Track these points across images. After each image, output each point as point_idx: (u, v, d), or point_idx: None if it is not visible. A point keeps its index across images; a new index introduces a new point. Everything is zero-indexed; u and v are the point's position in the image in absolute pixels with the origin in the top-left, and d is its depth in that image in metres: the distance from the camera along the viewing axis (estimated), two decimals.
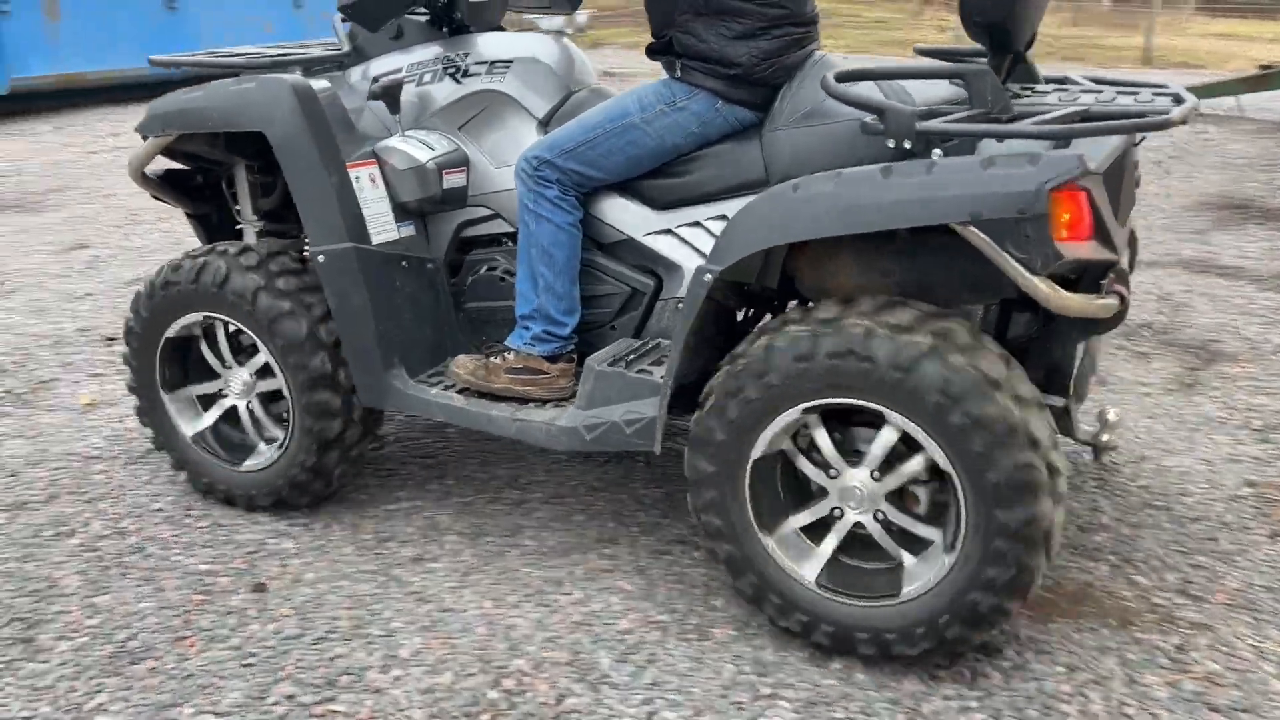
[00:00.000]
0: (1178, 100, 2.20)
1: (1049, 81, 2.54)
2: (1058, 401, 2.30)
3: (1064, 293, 1.99)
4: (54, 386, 3.69)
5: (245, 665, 2.21)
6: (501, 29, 2.97)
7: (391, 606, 2.42)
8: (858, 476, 2.17)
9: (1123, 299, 2.12)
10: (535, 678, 2.17)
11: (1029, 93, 2.39)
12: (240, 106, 2.65)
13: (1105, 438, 2.35)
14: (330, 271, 2.62)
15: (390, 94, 2.73)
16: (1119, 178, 2.25)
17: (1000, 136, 2.02)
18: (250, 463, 2.81)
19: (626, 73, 12.84)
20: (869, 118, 2.09)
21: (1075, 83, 2.54)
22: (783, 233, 2.14)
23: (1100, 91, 2.41)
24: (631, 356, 2.51)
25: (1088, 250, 2.01)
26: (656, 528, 2.75)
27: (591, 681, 2.17)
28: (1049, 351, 2.35)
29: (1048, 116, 2.02)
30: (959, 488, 2.04)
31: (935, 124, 2.02)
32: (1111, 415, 2.40)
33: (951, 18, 14.10)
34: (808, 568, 2.23)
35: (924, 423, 2.03)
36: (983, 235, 1.95)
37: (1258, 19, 18.49)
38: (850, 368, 2.05)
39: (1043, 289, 1.95)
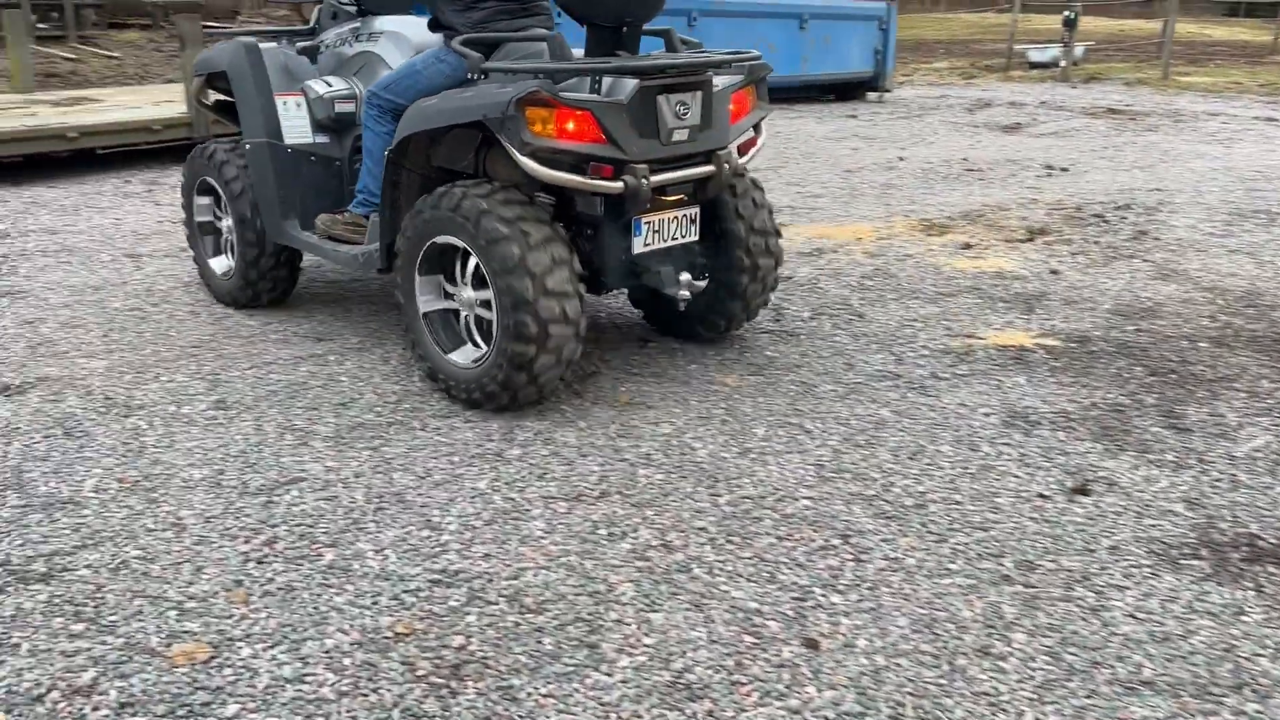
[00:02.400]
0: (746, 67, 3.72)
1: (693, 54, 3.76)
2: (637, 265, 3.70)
3: (544, 169, 3.24)
4: (596, 379, 3.85)
5: None
6: (406, 13, 4.39)
7: (962, 706, 2.13)
8: (463, 290, 3.56)
9: (625, 185, 3.32)
10: None
11: (644, 56, 3.64)
12: (218, 55, 4.40)
13: (682, 294, 3.69)
14: (251, 155, 4.25)
15: (308, 53, 4.46)
16: (649, 109, 3.36)
17: (518, 73, 3.33)
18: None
19: (1135, 109, 11.62)
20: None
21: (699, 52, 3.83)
22: (413, 126, 3.52)
23: (671, 55, 3.70)
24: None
25: (574, 146, 3.27)
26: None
27: None
28: (614, 225, 3.61)
29: (556, 65, 3.36)
30: (487, 277, 3.36)
31: (490, 64, 3.43)
32: (684, 276, 3.68)
33: None
34: (456, 355, 3.61)
35: (466, 239, 3.37)
36: (494, 129, 3.24)
37: None
38: (438, 215, 3.44)
39: (529, 164, 3.22)
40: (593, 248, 3.65)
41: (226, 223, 4.57)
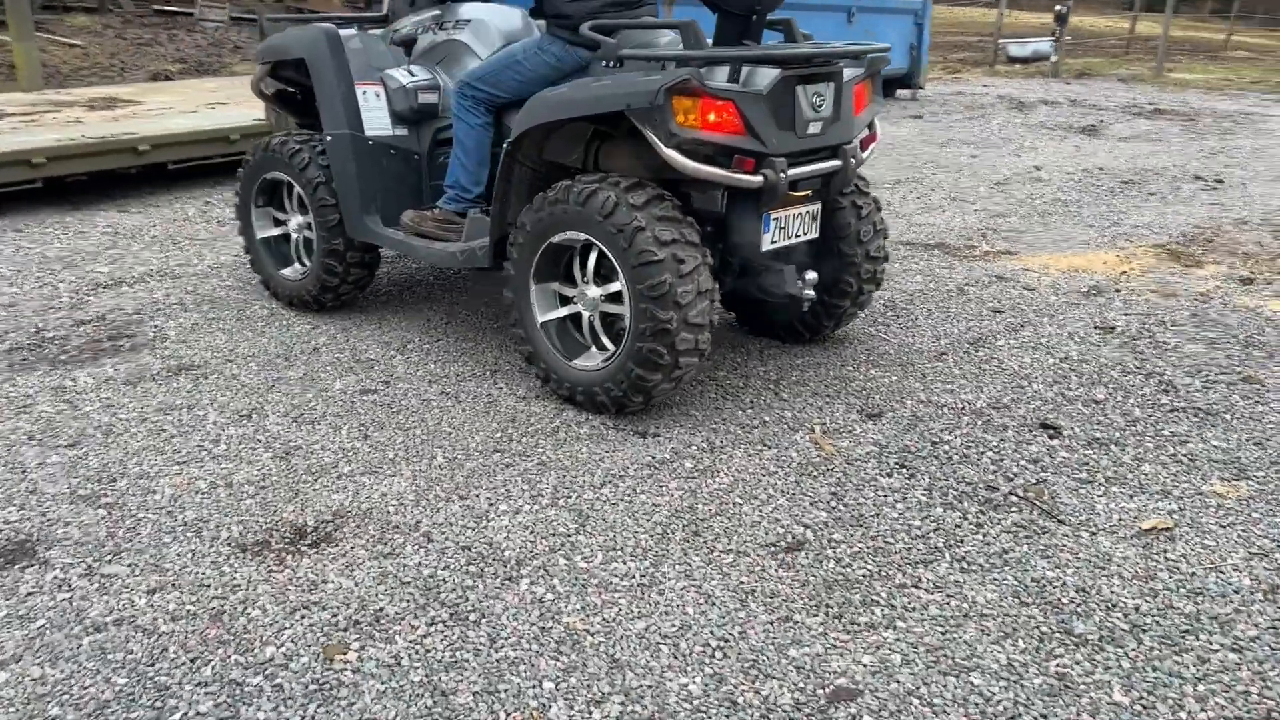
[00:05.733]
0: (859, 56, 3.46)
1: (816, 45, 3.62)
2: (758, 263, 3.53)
3: (690, 162, 3.11)
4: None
5: None
6: (486, 0, 4.17)
7: None
8: (585, 290, 3.45)
9: (765, 179, 3.17)
10: None
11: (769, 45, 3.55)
12: (295, 42, 4.09)
13: (807, 293, 3.56)
14: (332, 148, 3.97)
15: (406, 43, 4.13)
16: (786, 101, 3.20)
17: (662, 61, 3.23)
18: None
19: (1181, 110, 11.19)
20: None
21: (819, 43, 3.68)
22: (531, 119, 3.35)
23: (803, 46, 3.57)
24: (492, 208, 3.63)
25: (718, 137, 3.11)
26: None
27: None
28: (742, 220, 3.41)
29: (701, 53, 3.15)
30: (619, 273, 3.24)
31: (627, 52, 3.30)
32: (810, 275, 3.57)
33: None
34: (581, 360, 3.48)
35: (595, 233, 3.25)
36: (638, 120, 3.11)
37: None
38: (560, 211, 3.31)
39: (674, 157, 3.09)
40: (711, 247, 3.42)
41: (295, 221, 4.33)
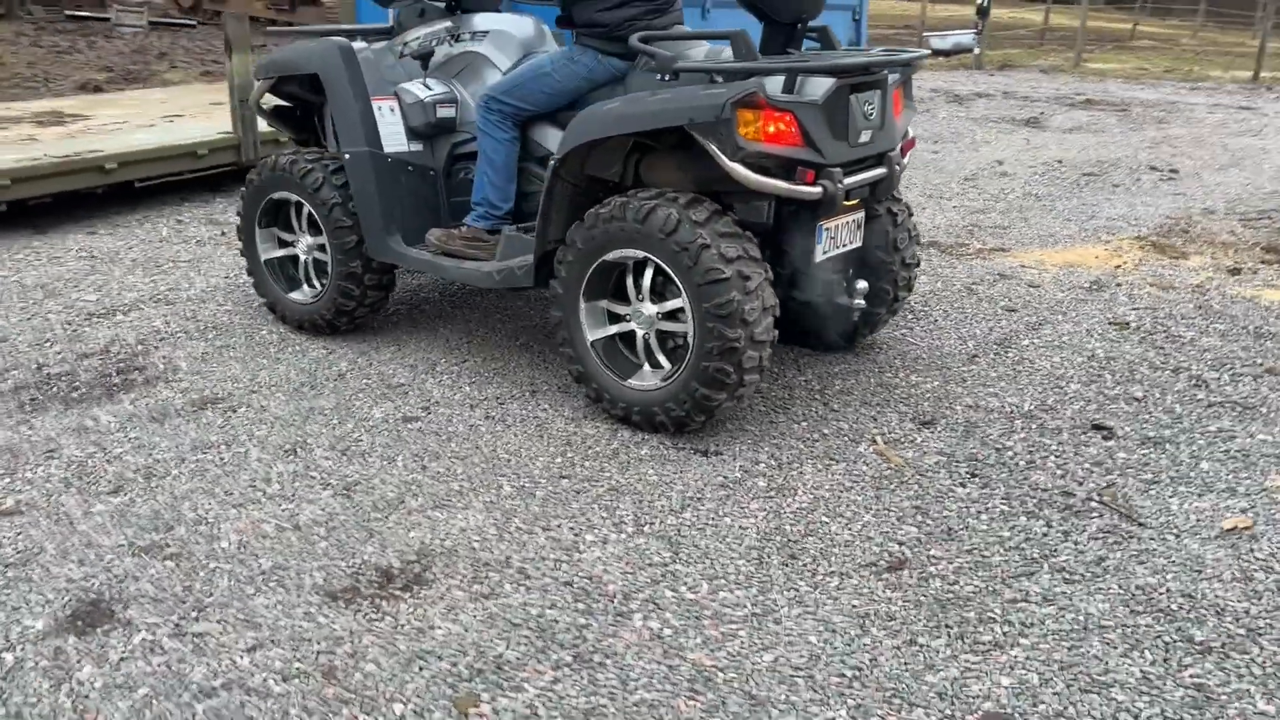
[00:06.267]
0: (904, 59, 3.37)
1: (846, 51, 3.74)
2: (811, 274, 3.43)
3: (758, 176, 3.06)
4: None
5: None
6: (497, 10, 4.10)
7: None
8: (640, 308, 3.33)
9: (825, 190, 3.13)
10: None
11: (807, 53, 3.50)
12: (306, 57, 3.94)
13: (857, 303, 3.56)
14: (351, 166, 3.81)
15: (422, 56, 3.93)
16: (840, 109, 3.14)
17: (720, 73, 3.09)
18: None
19: (1108, 100, 11.53)
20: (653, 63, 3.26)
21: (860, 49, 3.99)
22: (583, 135, 3.24)
23: (851, 53, 3.71)
24: (531, 227, 3.50)
25: (779, 150, 3.06)
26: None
27: None
28: (794, 231, 3.38)
29: (760, 65, 3.09)
30: (682, 291, 3.14)
31: (683, 64, 3.18)
32: (861, 284, 3.56)
33: None
34: (635, 379, 3.40)
35: (655, 251, 3.15)
36: (699, 134, 3.03)
37: None
38: (616, 227, 3.20)
39: (740, 171, 3.03)
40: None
41: (305, 242, 4.14)
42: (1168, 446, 3.35)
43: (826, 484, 3.08)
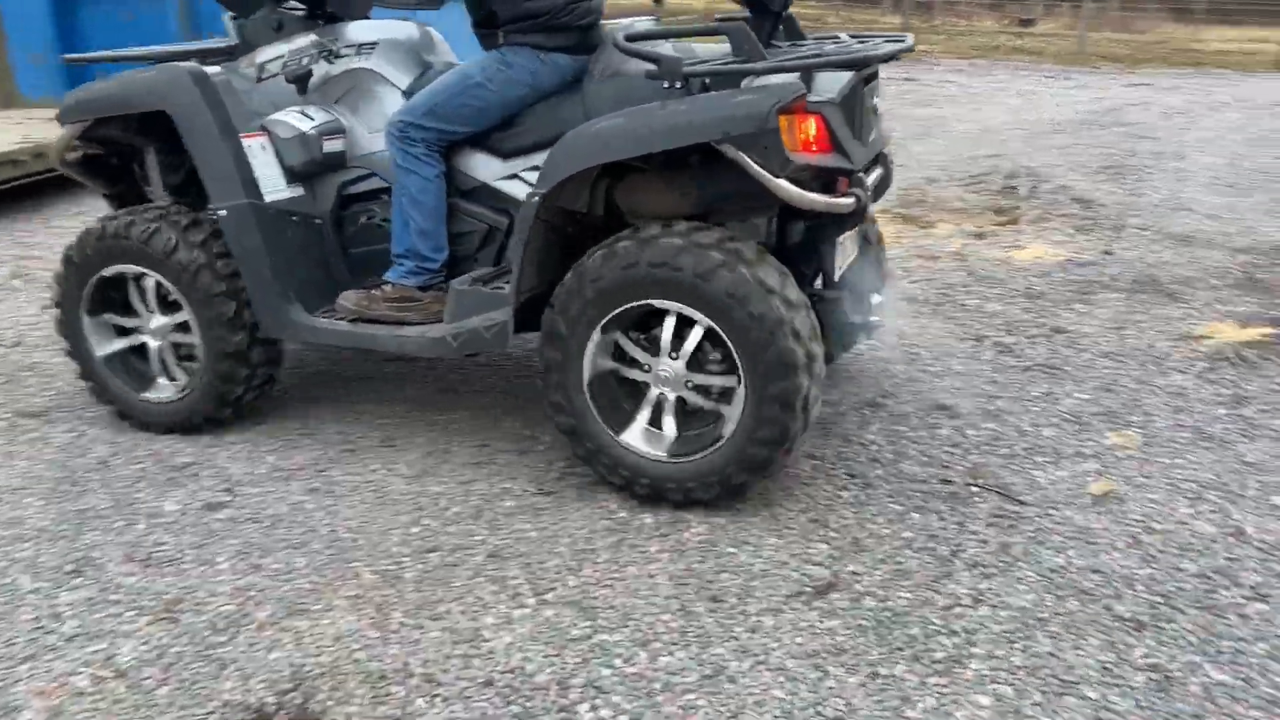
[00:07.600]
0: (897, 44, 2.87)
1: (817, 38, 3.24)
2: (831, 294, 2.91)
3: (805, 193, 2.54)
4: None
5: None
6: (368, 18, 3.47)
7: None
8: (665, 364, 2.75)
9: (858, 199, 2.66)
10: None
11: (788, 45, 3.08)
12: (146, 90, 3.13)
13: (872, 318, 3.03)
14: (230, 224, 3.11)
15: (299, 79, 3.24)
16: (854, 106, 2.76)
17: (746, 74, 2.57)
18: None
19: None
20: (651, 67, 2.63)
21: (834, 38, 3.20)
22: (587, 158, 2.67)
23: (838, 40, 3.14)
24: (487, 277, 3.02)
25: (819, 159, 2.58)
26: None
27: None
28: (816, 250, 2.91)
29: (784, 58, 2.60)
30: (740, 367, 2.61)
31: (697, 66, 2.62)
32: (875, 299, 3.02)
33: None
34: (630, 436, 2.81)
35: (715, 317, 2.60)
36: (734, 149, 2.49)
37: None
38: (663, 275, 2.60)
39: (788, 189, 2.52)
40: None
41: (156, 323, 3.31)
42: (1008, 418, 3.44)
43: (715, 509, 2.87)
